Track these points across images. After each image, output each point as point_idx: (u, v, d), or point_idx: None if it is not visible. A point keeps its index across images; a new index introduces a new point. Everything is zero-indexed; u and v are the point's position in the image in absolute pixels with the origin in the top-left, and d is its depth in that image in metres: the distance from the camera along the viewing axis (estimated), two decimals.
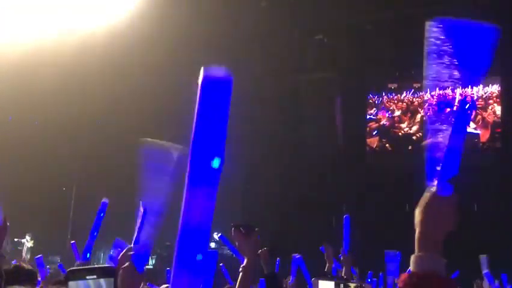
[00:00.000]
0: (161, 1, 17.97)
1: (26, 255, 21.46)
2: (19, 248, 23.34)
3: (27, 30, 18.40)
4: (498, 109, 18.81)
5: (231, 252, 21.73)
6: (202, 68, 1.35)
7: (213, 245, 21.94)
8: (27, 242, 21.55)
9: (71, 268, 1.89)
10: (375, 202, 18.58)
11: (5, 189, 22.16)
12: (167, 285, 7.35)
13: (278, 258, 8.15)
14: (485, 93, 18.75)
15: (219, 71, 1.37)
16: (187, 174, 1.34)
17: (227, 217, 21.48)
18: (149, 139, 1.92)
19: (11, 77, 19.29)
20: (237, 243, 3.63)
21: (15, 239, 23.40)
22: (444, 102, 2.02)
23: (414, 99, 19.80)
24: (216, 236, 22.78)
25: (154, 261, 22.16)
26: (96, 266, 1.90)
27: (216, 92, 1.36)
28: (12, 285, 3.99)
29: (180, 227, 1.34)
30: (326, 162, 19.90)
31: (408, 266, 1.93)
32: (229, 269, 20.50)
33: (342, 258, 5.65)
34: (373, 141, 20.35)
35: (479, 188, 17.46)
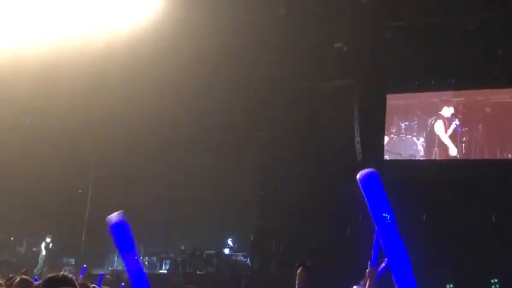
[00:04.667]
0: (182, 7, 18.07)
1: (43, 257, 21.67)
2: (34, 249, 23.50)
3: (48, 34, 18.58)
4: None
5: (244, 258, 21.56)
6: None
7: (226, 251, 21.92)
8: (48, 245, 21.76)
9: None
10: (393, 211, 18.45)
11: (21, 191, 22.37)
12: None
13: None
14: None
15: None
16: None
17: (243, 223, 21.51)
18: None
19: (30, 79, 19.46)
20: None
21: (30, 240, 23.56)
22: None
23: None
24: (229, 242, 22.79)
25: (168, 266, 22.13)
26: None
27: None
28: None
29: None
30: (343, 170, 19.82)
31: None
32: (242, 275, 20.28)
33: (368, 271, 5.01)
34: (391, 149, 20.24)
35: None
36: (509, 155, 18.49)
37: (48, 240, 21.77)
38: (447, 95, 19.26)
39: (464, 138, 19.04)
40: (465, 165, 18.77)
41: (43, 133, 22.39)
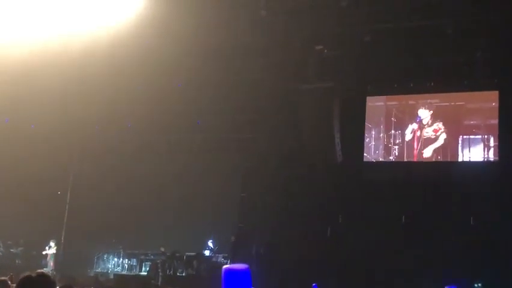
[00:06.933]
0: (163, 8, 17.99)
1: (49, 260, 21.49)
2: (11, 250, 23.24)
3: (29, 33, 18.40)
4: None
5: (224, 260, 21.57)
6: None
7: (207, 252, 21.86)
8: (51, 249, 21.56)
9: None
10: (371, 214, 18.56)
11: None
12: None
13: None
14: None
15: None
16: None
17: (223, 225, 21.48)
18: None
19: (9, 78, 19.27)
20: None
21: (9, 242, 23.31)
22: None
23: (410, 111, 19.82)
24: (210, 243, 22.72)
25: (147, 268, 22.02)
26: None
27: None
28: None
29: None
30: (323, 171, 19.90)
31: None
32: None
33: None
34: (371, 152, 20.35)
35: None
36: (439, 157, 18.78)
37: (52, 244, 21.61)
38: (380, 99, 19.97)
39: (398, 141, 19.49)
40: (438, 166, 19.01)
41: (22, 134, 22.19)
